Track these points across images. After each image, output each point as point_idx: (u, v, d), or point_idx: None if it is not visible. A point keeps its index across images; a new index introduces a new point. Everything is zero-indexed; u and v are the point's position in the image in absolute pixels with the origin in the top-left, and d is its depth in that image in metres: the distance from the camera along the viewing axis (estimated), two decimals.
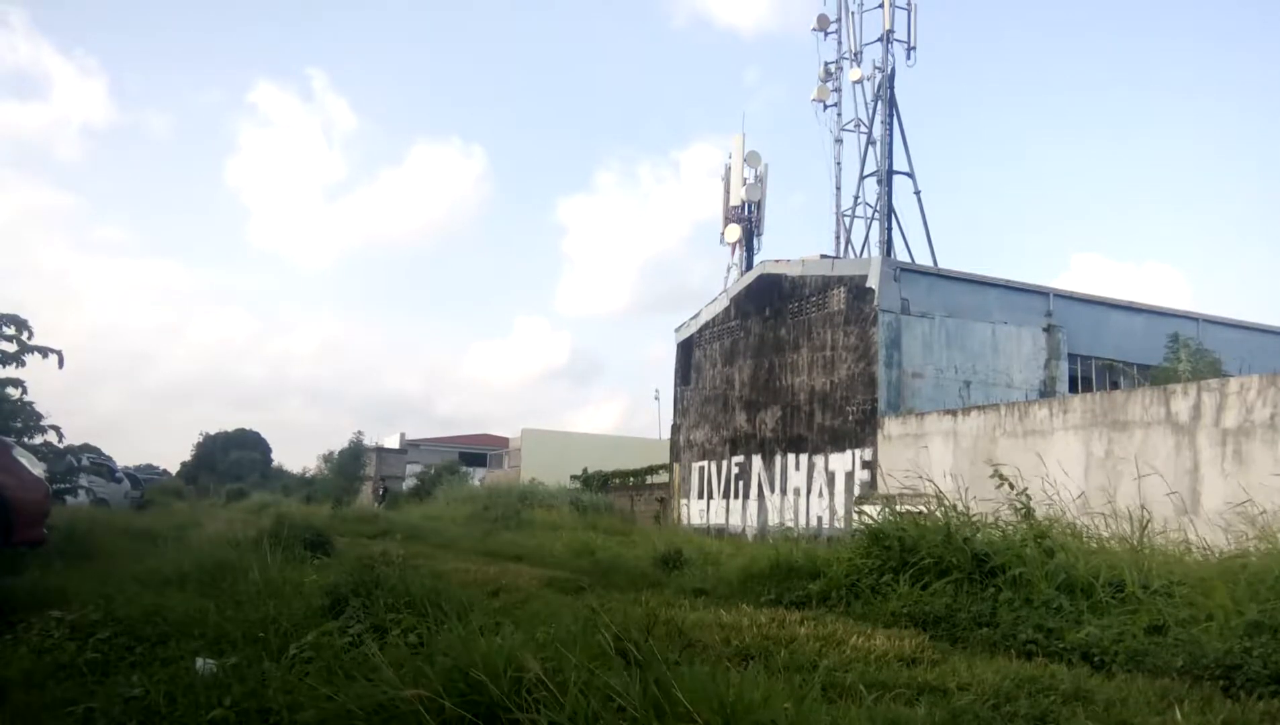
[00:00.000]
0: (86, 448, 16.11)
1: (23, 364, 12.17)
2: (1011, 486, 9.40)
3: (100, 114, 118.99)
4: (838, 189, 28.56)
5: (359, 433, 51.80)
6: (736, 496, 21.87)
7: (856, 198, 27.88)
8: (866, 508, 11.89)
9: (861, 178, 27.75)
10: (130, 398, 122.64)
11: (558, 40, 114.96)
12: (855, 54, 28.30)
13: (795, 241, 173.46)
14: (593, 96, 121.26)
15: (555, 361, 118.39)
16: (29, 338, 12.06)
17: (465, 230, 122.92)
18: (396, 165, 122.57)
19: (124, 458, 67.41)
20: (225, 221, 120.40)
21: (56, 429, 13.48)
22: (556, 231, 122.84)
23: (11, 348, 12.02)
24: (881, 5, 27.19)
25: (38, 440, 13.28)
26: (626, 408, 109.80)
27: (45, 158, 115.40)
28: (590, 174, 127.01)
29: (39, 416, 13.05)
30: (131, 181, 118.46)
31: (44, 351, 12.21)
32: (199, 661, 4.75)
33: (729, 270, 27.77)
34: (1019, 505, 9.20)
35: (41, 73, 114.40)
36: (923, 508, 9.74)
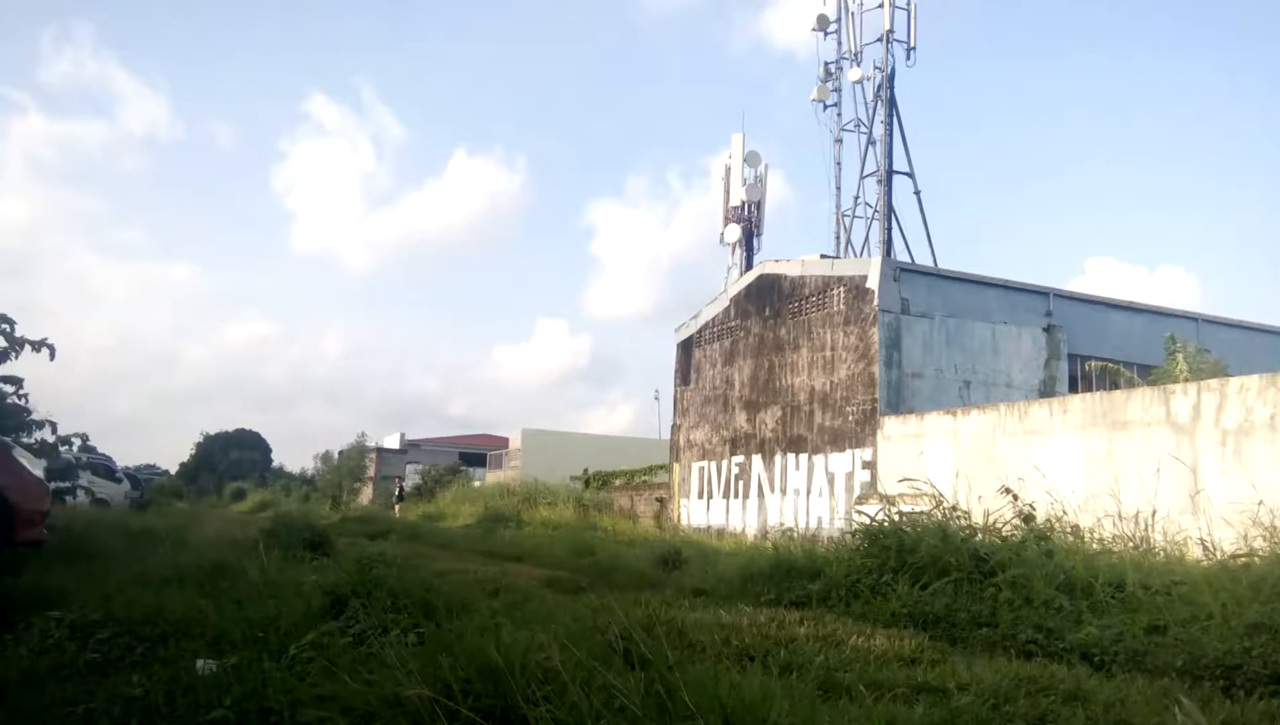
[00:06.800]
0: (86, 446, 15.86)
1: (16, 356, 12.12)
2: (1016, 497, 9.41)
3: (145, 125, 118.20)
4: (838, 189, 28.53)
5: (363, 434, 51.96)
6: (736, 496, 21.86)
7: (856, 198, 27.87)
8: (866, 508, 11.90)
9: (861, 178, 27.74)
10: (149, 400, 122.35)
11: (602, 46, 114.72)
12: (855, 54, 28.24)
13: (795, 242, 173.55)
14: (629, 107, 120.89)
15: (576, 364, 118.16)
16: (13, 331, 11.97)
17: (498, 236, 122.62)
18: (437, 172, 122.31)
19: (124, 457, 67.34)
20: (266, 228, 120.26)
21: (52, 424, 13.37)
22: (584, 236, 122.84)
23: (1, 344, 11.96)
24: (881, 5, 27.16)
25: (34, 438, 13.17)
26: (639, 409, 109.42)
27: (98, 167, 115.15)
28: (620, 180, 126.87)
29: (29, 411, 12.93)
30: (161, 189, 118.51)
31: (35, 345, 12.16)
32: (199, 661, 4.75)
33: (729, 270, 27.76)
34: (1023, 513, 9.21)
35: (103, 89, 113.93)
36: (923, 508, 9.76)
